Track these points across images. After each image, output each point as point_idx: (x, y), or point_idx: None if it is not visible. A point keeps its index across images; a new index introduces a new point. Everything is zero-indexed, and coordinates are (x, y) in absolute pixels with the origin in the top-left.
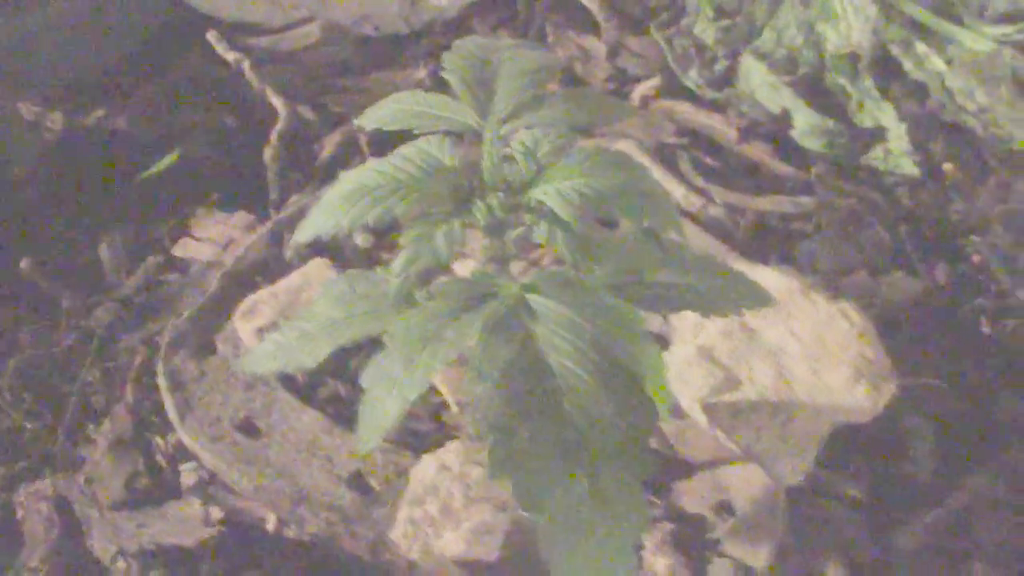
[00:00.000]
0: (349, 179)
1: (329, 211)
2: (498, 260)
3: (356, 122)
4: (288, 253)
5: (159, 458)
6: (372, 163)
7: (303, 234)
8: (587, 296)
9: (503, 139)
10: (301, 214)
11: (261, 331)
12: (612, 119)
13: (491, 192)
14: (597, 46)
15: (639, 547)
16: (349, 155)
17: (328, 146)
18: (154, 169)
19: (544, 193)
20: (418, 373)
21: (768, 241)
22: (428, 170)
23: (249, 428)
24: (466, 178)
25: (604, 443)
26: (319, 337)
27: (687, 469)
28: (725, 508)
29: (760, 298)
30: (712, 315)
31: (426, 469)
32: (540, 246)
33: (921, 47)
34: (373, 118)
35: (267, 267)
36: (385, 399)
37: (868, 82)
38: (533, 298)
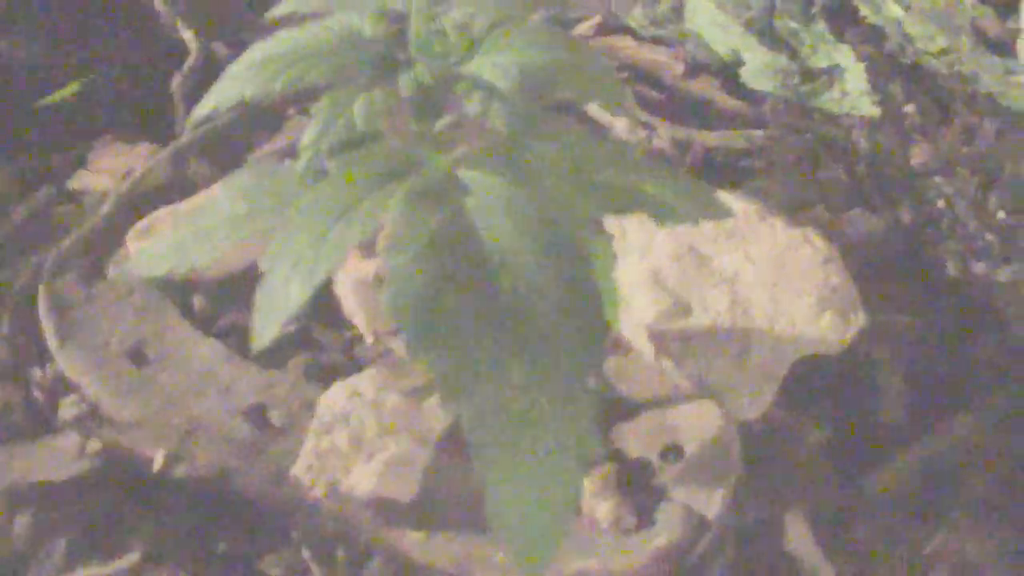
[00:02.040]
0: (258, 48)
1: (233, 80)
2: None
3: (268, 13)
4: (187, 130)
5: (36, 392)
6: (284, 32)
7: (203, 107)
8: (527, 173)
9: (432, 16)
10: (208, 137)
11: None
12: (551, 6)
13: (420, 63)
14: None
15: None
16: None
17: None
18: (51, 98)
19: (479, 66)
20: (327, 250)
21: (716, 176)
22: (348, 39)
23: (138, 356)
24: (391, 50)
25: (546, 327)
26: (217, 232)
27: (630, 408)
28: (673, 451)
29: (718, 209)
30: (665, 223)
31: (336, 396)
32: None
33: None
34: (288, 3)
35: (168, 192)
36: (288, 281)
37: (822, 25)
38: (465, 172)
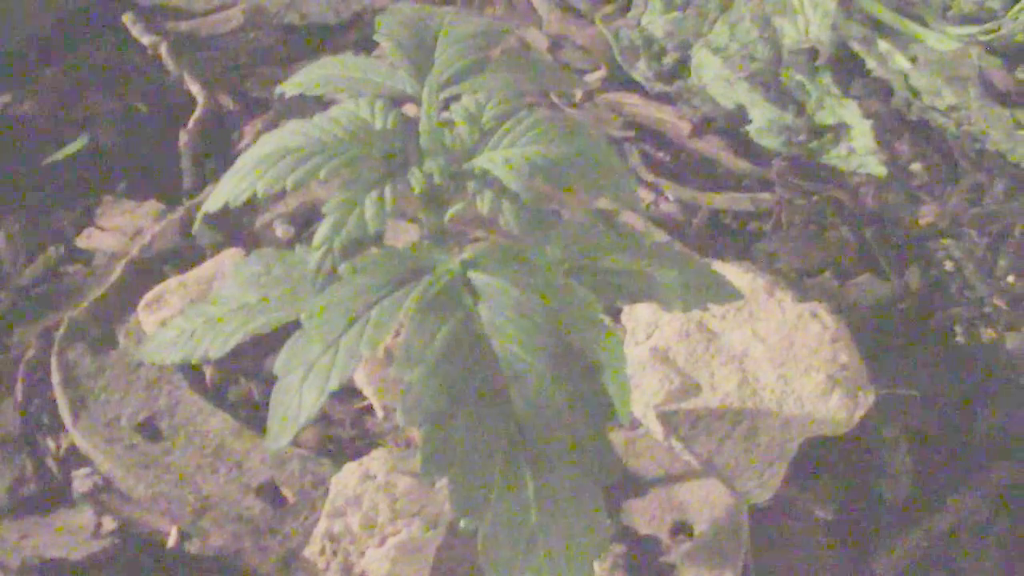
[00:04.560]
0: (267, 140)
1: (242, 175)
2: (436, 239)
3: (277, 89)
4: (195, 227)
5: (49, 462)
6: (293, 124)
7: (213, 202)
8: (536, 275)
9: (443, 104)
10: None
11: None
12: (559, 87)
13: (429, 158)
14: (539, 38)
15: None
16: None
17: (248, 134)
18: (58, 155)
19: (489, 160)
20: (340, 357)
21: (723, 240)
22: (357, 133)
23: (150, 430)
24: (401, 143)
25: (555, 440)
26: (228, 322)
27: (639, 485)
28: (682, 529)
29: (727, 292)
30: (673, 309)
31: (348, 478)
32: (478, 238)
33: (883, 45)
34: (295, 83)
35: (177, 257)
36: (301, 388)
37: (827, 79)
38: (475, 275)
